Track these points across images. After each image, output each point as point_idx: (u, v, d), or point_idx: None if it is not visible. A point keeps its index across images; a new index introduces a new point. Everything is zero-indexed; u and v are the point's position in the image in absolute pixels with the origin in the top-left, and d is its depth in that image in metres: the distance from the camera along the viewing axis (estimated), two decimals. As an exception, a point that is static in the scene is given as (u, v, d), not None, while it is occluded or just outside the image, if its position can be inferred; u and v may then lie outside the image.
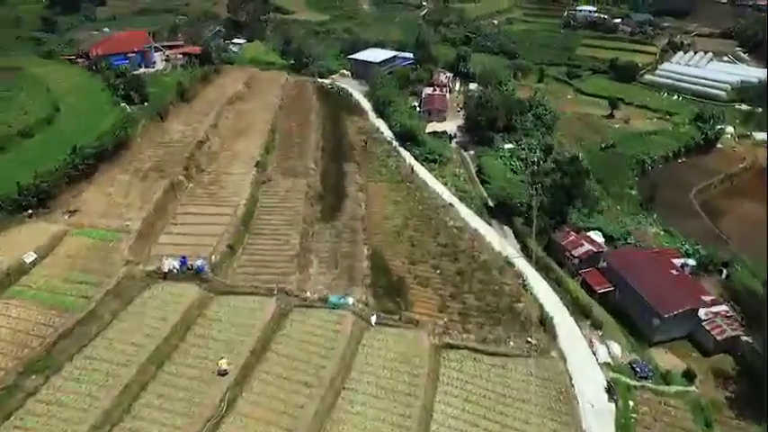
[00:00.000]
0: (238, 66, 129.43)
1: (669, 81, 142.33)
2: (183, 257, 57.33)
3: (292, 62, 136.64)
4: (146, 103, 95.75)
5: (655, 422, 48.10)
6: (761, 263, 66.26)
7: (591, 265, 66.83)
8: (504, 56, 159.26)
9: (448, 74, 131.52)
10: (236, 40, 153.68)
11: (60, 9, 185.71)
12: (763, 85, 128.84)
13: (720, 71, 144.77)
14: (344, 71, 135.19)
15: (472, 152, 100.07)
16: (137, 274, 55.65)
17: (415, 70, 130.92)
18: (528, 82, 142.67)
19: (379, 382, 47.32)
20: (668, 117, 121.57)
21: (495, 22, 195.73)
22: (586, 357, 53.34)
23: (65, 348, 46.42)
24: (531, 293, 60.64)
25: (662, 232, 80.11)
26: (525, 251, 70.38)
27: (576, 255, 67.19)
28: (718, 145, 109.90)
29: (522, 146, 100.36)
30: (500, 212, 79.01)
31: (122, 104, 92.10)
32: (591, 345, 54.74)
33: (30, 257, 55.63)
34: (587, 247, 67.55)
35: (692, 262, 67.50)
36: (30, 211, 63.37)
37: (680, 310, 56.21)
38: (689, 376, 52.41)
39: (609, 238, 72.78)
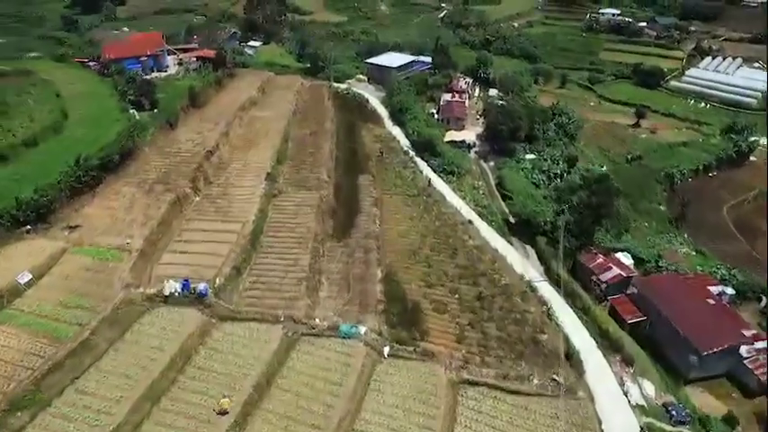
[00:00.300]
0: (253, 69, 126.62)
1: (696, 88, 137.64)
2: (186, 281, 54.06)
3: (308, 66, 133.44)
4: (155, 110, 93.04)
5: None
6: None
7: (620, 291, 62.63)
8: (524, 59, 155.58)
9: (467, 79, 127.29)
10: (251, 43, 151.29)
11: (81, 8, 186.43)
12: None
13: (750, 78, 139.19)
14: (361, 75, 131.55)
15: (492, 163, 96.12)
16: (136, 298, 52.48)
17: (433, 75, 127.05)
18: (549, 87, 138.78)
19: (391, 423, 43.60)
20: (697, 127, 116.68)
21: (516, 24, 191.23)
22: (617, 398, 49.17)
23: (55, 382, 43.45)
24: (556, 323, 56.37)
25: (693, 253, 75.66)
26: (549, 274, 66.13)
27: (603, 280, 62.93)
28: (752, 158, 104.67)
29: (544, 156, 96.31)
30: (522, 230, 74.79)
31: (131, 111, 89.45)
32: (621, 383, 50.57)
33: (24, 278, 52.75)
34: (616, 271, 63.26)
35: (729, 291, 62.70)
36: (28, 227, 60.51)
37: (720, 348, 51.82)
38: (730, 422, 48.14)
39: (638, 261, 68.44)
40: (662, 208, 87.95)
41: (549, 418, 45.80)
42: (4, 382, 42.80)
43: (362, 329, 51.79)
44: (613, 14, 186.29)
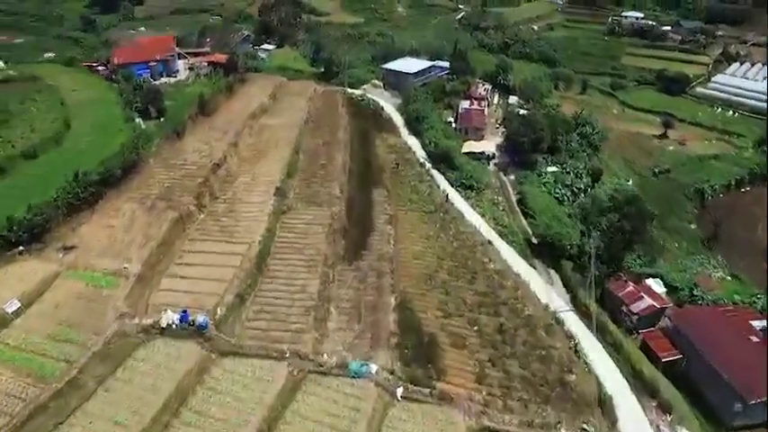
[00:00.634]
0: (266, 74, 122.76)
1: (723, 95, 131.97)
2: (185, 311, 50.26)
3: (322, 70, 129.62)
4: (162, 119, 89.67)
5: None
6: None
7: (652, 323, 58.07)
8: (543, 64, 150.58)
9: (486, 86, 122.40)
10: (265, 46, 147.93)
11: (100, 8, 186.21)
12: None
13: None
14: (376, 81, 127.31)
15: (512, 176, 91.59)
16: (130, 330, 48.73)
17: (451, 81, 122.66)
18: (570, 93, 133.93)
19: (404, 479, 39.61)
20: (727, 138, 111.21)
21: (536, 27, 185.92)
22: (653, 450, 44.86)
23: (36, 428, 39.70)
24: (585, 361, 51.88)
25: (728, 277, 70.62)
26: (575, 302, 61.59)
27: (635, 311, 58.33)
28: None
29: (567, 169, 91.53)
30: (545, 252, 70.24)
31: (137, 120, 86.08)
32: (658, 432, 46.17)
33: (12, 306, 49.39)
34: (648, 301, 58.62)
35: (773, 326, 57.89)
36: (21, 248, 57.00)
37: None
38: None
39: (670, 287, 63.78)
40: (692, 226, 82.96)
41: (580, 475, 41.54)
42: (-21, 430, 39.36)
43: (374, 368, 47.68)
44: (637, 18, 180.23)
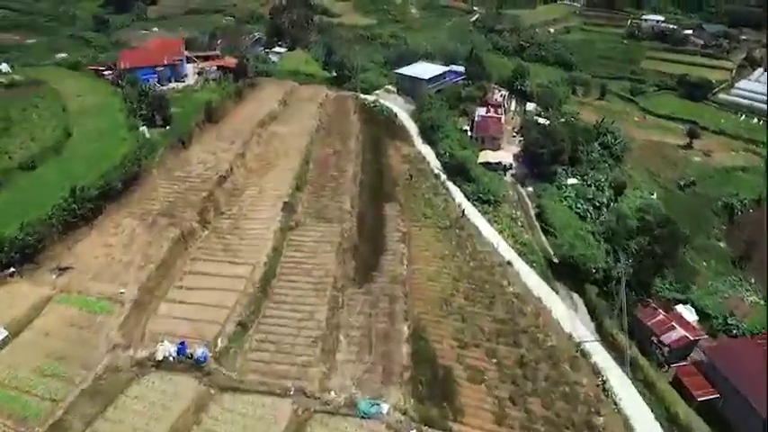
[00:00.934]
0: (276, 78, 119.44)
1: (747, 101, 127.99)
2: (182, 342, 46.87)
3: (334, 75, 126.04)
4: (168, 127, 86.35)
5: None
6: None
7: (684, 355, 54.09)
8: (560, 67, 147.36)
9: (503, 92, 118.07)
10: (276, 49, 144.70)
11: (114, 8, 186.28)
12: None
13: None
14: (390, 86, 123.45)
15: (530, 188, 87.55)
16: (123, 364, 45.38)
17: (466, 86, 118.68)
18: (588, 99, 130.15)
19: None
20: (755, 148, 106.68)
21: (552, 30, 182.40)
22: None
23: (14, 479, 36.55)
24: (614, 400, 47.97)
25: (762, 302, 66.48)
26: (601, 331, 57.58)
27: (666, 342, 54.31)
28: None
29: (588, 182, 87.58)
30: (567, 273, 66.16)
31: (141, 128, 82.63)
32: (695, 485, 42.25)
33: (-1, 336, 46.15)
34: (681, 332, 54.62)
35: (817, 361, 53.70)
36: (12, 270, 53.73)
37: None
38: None
39: (702, 314, 59.69)
40: (721, 245, 78.89)
41: None
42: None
43: (385, 407, 44.03)
44: (657, 21, 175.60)
